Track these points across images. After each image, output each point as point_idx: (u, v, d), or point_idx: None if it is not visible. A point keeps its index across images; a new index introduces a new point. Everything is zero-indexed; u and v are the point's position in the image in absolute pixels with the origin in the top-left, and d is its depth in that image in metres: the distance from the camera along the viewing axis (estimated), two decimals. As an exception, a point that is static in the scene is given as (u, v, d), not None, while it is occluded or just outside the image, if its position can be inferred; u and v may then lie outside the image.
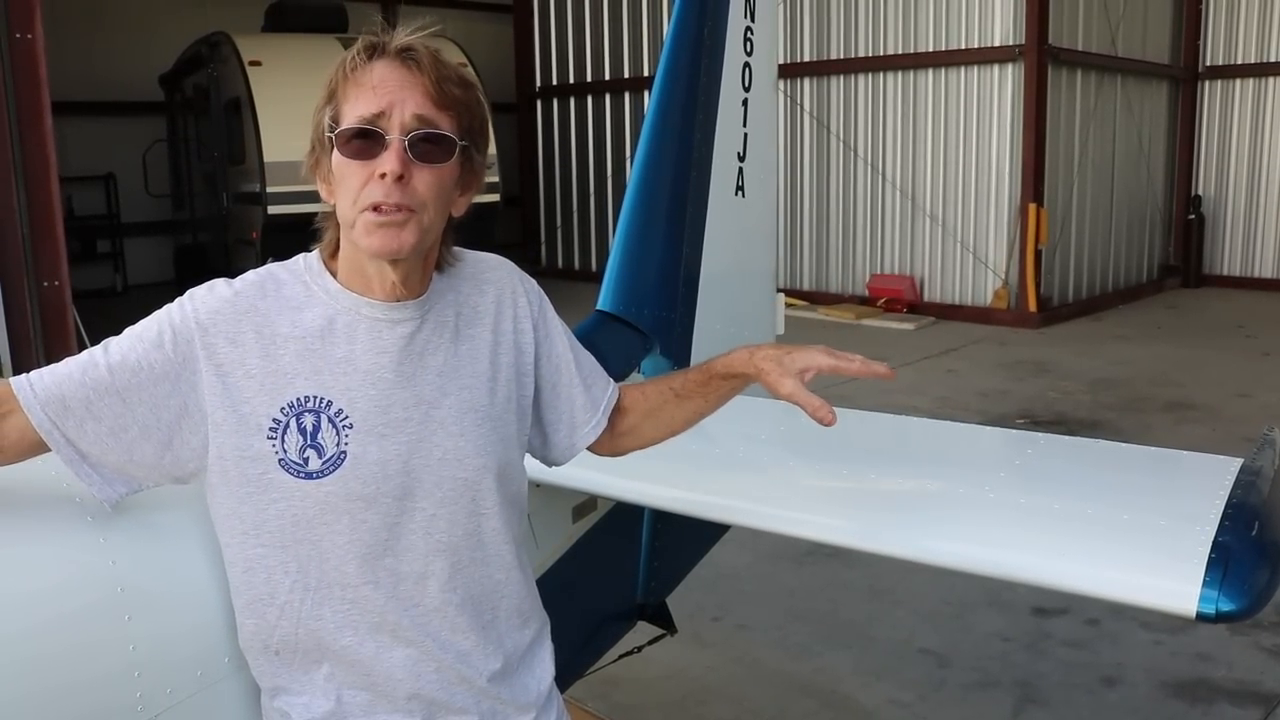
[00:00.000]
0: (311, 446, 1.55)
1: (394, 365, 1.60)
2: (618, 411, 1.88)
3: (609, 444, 1.90)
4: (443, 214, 1.59)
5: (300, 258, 1.65)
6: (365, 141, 1.50)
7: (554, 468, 1.92)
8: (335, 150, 1.53)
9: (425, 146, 1.52)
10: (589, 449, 1.88)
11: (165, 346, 1.55)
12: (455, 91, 1.55)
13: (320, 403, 1.56)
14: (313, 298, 1.60)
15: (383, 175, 1.49)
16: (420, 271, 1.62)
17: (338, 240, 1.62)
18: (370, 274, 1.59)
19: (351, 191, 1.52)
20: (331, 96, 1.54)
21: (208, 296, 1.59)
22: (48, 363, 1.58)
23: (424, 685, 1.64)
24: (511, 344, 1.74)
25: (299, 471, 1.55)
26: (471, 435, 1.64)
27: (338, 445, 1.56)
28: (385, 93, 1.50)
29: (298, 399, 1.56)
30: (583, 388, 1.82)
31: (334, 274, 1.62)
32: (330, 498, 1.56)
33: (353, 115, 1.51)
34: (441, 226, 1.60)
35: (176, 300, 1.60)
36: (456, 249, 1.72)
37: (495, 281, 1.75)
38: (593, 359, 1.88)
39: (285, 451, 1.55)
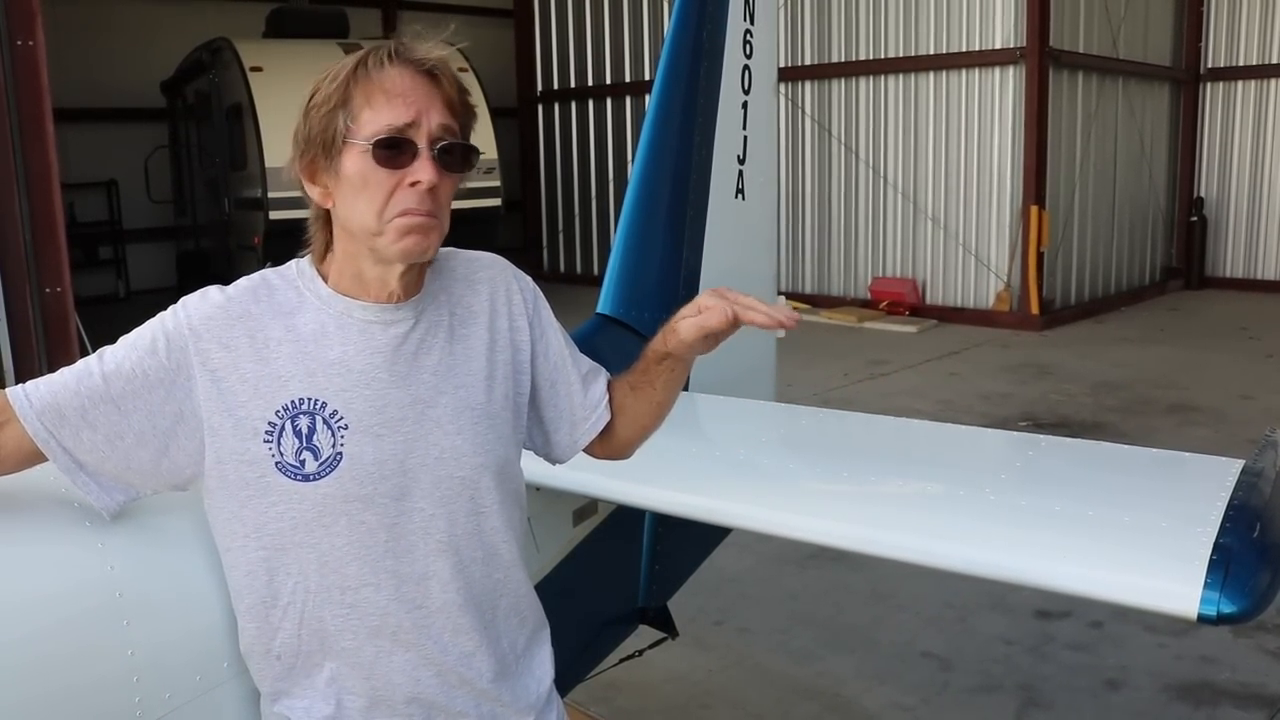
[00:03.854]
0: (308, 449, 1.55)
1: (388, 365, 1.60)
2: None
3: (600, 447, 1.88)
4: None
5: (293, 263, 1.65)
6: (395, 150, 1.51)
7: (556, 467, 1.92)
8: (359, 156, 1.51)
9: (449, 156, 1.54)
10: (586, 451, 1.88)
11: (159, 353, 1.55)
12: (466, 101, 1.58)
13: (315, 404, 1.56)
14: (305, 303, 1.61)
15: (413, 183, 1.50)
16: (419, 275, 1.64)
17: (327, 244, 1.62)
18: (369, 279, 1.59)
19: (377, 199, 1.51)
20: (346, 100, 1.52)
21: (200, 303, 1.60)
22: (50, 369, 1.59)
23: (423, 689, 1.64)
24: (508, 342, 1.74)
25: (296, 474, 1.55)
26: (469, 434, 1.64)
27: (334, 447, 1.56)
28: (413, 102, 1.51)
29: (292, 401, 1.56)
30: (580, 384, 1.82)
31: (325, 278, 1.62)
32: (328, 499, 1.56)
33: (380, 123, 1.50)
34: None
35: (170, 308, 1.60)
36: (448, 249, 1.73)
37: (489, 280, 1.75)
38: (586, 358, 1.87)
39: (281, 454, 1.55)
